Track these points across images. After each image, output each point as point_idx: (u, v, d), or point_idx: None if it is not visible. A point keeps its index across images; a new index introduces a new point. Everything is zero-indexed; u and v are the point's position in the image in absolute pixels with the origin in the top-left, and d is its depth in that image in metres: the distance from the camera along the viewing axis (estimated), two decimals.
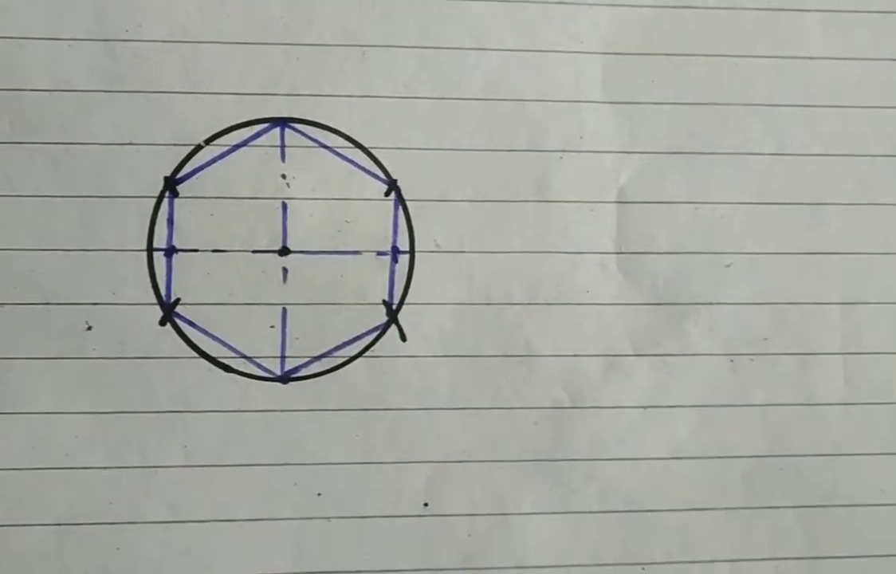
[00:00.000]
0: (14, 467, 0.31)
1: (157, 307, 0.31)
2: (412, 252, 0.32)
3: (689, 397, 0.33)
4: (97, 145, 0.31)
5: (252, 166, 0.32)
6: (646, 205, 0.33)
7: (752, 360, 0.33)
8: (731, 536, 0.32)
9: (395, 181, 0.32)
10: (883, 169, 0.34)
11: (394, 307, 0.32)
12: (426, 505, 0.32)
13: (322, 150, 0.32)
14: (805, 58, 0.33)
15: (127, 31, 0.32)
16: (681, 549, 0.32)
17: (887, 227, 0.33)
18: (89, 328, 0.31)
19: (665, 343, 0.33)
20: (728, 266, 0.33)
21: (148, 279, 0.31)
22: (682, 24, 0.33)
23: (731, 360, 0.33)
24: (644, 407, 0.32)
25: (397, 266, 0.32)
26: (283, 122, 0.32)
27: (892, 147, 0.34)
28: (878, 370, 0.33)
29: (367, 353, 0.32)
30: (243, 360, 0.32)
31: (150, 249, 0.31)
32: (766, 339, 0.33)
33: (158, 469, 0.31)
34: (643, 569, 0.32)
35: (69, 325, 0.31)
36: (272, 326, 0.32)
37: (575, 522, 0.32)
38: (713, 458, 0.33)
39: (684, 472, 0.32)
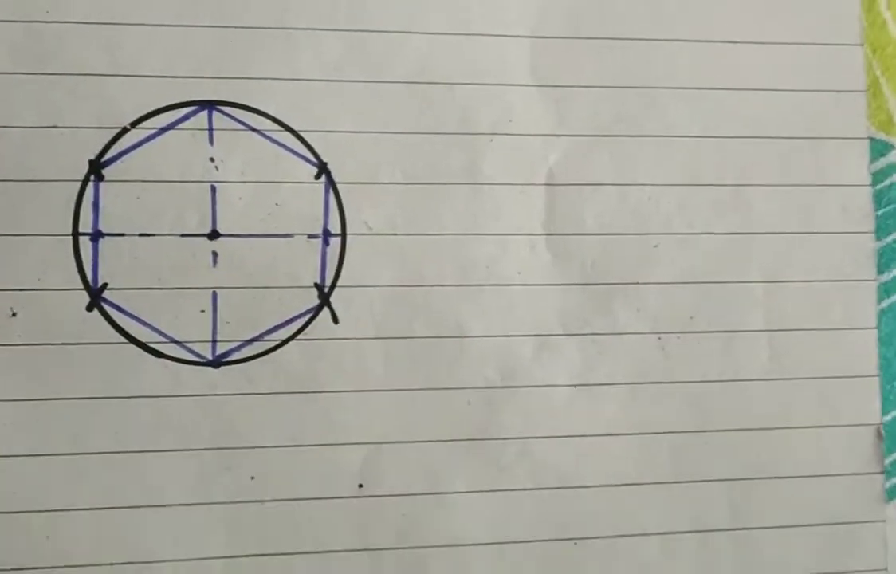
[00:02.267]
0: None
1: (84, 293, 0.31)
2: (343, 235, 0.32)
3: (618, 375, 0.33)
4: (19, 129, 0.31)
5: (180, 149, 0.31)
6: (574, 187, 0.33)
7: (679, 338, 0.33)
8: (659, 510, 0.33)
9: (326, 164, 0.32)
10: (805, 151, 0.34)
11: (325, 290, 0.32)
12: (361, 486, 0.32)
13: (251, 132, 0.32)
14: (729, 41, 0.34)
15: (48, 11, 0.31)
16: (611, 524, 0.33)
17: (808, 208, 0.34)
18: (14, 315, 0.31)
19: (594, 323, 0.33)
20: (655, 247, 0.33)
21: (74, 264, 0.31)
22: (609, 7, 0.34)
23: (659, 338, 0.33)
24: (574, 385, 0.33)
25: (328, 249, 0.32)
26: (211, 105, 0.32)
27: (814, 129, 0.35)
28: (801, 346, 0.34)
29: (299, 337, 0.32)
30: (173, 344, 0.31)
31: (76, 234, 0.31)
32: (692, 317, 0.34)
33: (89, 455, 0.31)
34: (575, 544, 0.33)
35: None
36: (202, 310, 0.31)
37: (508, 500, 0.33)
38: (642, 434, 0.33)
39: (614, 449, 0.33)
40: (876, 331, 0.34)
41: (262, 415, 0.32)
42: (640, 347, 0.33)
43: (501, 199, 0.33)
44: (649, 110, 0.34)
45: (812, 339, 0.34)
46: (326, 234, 0.32)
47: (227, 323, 0.31)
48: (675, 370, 0.33)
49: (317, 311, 0.32)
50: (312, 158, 0.32)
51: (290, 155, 0.32)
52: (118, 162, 0.31)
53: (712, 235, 0.34)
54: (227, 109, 0.32)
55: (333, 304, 0.32)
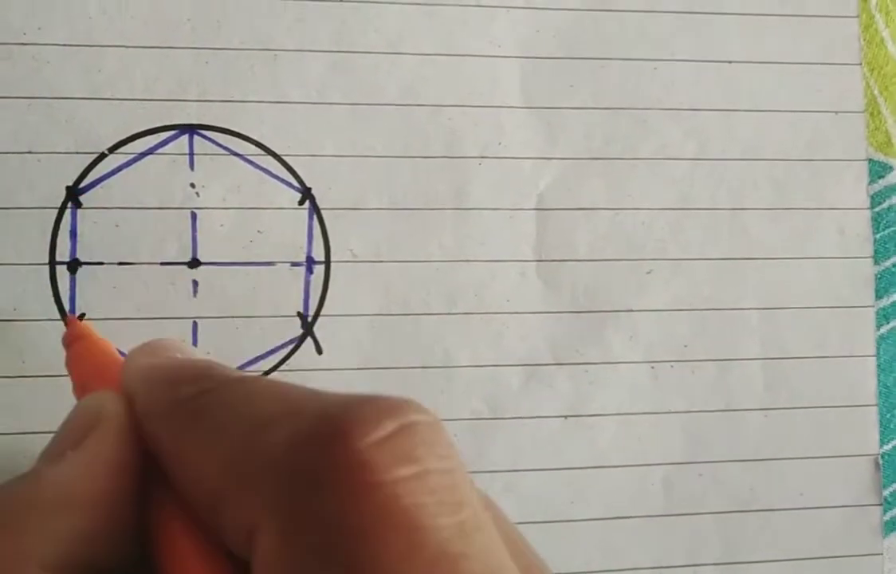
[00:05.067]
0: None
1: (61, 323, 0.30)
2: (327, 262, 0.31)
3: (609, 406, 0.32)
4: None
5: (159, 175, 0.31)
6: (565, 211, 0.32)
7: (672, 366, 0.33)
8: (652, 544, 0.32)
9: (310, 189, 0.31)
10: (801, 174, 0.34)
11: (309, 319, 0.31)
12: None
13: (233, 157, 0.31)
14: (724, 61, 0.33)
15: (25, 33, 0.30)
16: (601, 557, 0.32)
17: (805, 232, 0.34)
18: None
19: (585, 351, 0.32)
20: (648, 272, 0.33)
21: (51, 294, 0.30)
22: (601, 27, 0.33)
23: (652, 367, 0.33)
24: (565, 417, 0.32)
25: (312, 277, 0.31)
26: (191, 129, 0.31)
27: (810, 152, 0.34)
28: (797, 374, 0.33)
29: (282, 367, 0.31)
30: None
31: (53, 263, 0.30)
32: (686, 345, 0.33)
33: None
34: None
35: None
36: (182, 341, 0.31)
37: None
38: (634, 466, 0.32)
39: (605, 481, 0.32)
40: (874, 358, 0.34)
41: None
42: (633, 376, 0.33)
43: (490, 224, 0.32)
44: (642, 132, 0.33)
45: (808, 367, 0.33)
46: (310, 262, 0.31)
47: (208, 354, 0.31)
48: (669, 400, 0.33)
49: (300, 341, 0.31)
50: (296, 184, 0.31)
51: (273, 180, 0.31)
52: (96, 188, 0.30)
53: (707, 261, 0.33)
54: (208, 134, 0.31)
55: (317, 334, 0.31)
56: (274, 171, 0.31)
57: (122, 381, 0.20)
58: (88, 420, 0.19)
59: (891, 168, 0.35)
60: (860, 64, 0.34)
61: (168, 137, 0.31)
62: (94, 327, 0.25)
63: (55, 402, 0.30)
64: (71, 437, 0.18)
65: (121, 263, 0.30)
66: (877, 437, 0.33)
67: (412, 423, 0.15)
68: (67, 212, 0.30)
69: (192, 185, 0.31)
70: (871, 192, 0.34)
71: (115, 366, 0.22)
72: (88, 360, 0.23)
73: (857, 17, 0.34)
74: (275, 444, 0.15)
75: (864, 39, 0.35)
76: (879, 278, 0.34)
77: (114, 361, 0.23)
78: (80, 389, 0.22)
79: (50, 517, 0.17)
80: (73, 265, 0.30)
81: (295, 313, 0.31)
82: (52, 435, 0.30)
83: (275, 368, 0.31)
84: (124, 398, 0.19)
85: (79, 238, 0.30)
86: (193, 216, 0.31)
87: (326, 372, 0.31)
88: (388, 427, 0.15)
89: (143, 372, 0.19)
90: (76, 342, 0.24)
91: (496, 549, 0.15)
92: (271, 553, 0.14)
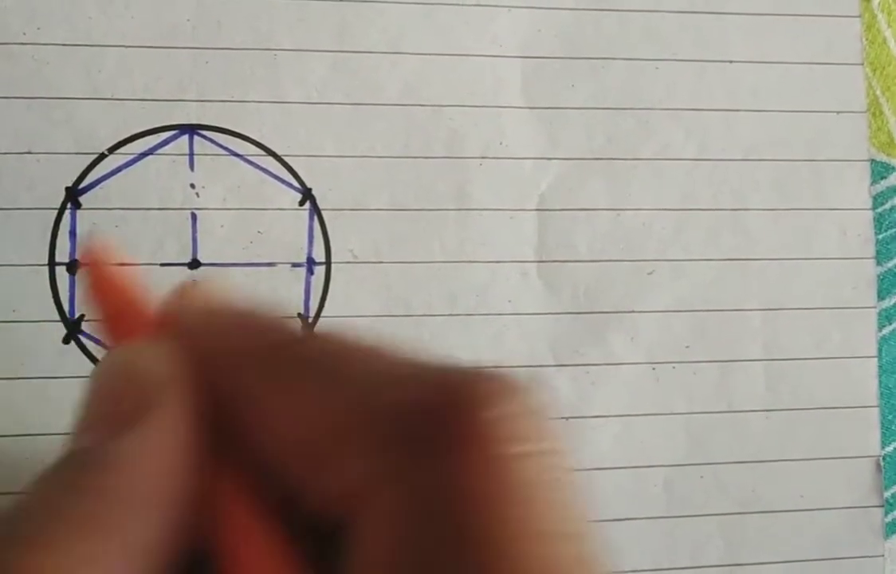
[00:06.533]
0: None
1: (61, 324, 0.30)
2: (328, 263, 0.31)
3: (611, 407, 0.32)
4: None
5: (159, 175, 0.30)
6: (566, 212, 0.32)
7: (674, 367, 0.33)
8: (653, 546, 0.32)
9: (310, 190, 0.31)
10: (803, 173, 0.34)
11: (309, 320, 0.31)
12: None
13: (233, 158, 0.31)
14: (725, 61, 0.33)
15: (25, 33, 0.30)
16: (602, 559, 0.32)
17: (807, 233, 0.33)
18: None
19: (587, 352, 0.32)
20: (650, 273, 0.33)
21: (50, 295, 0.30)
22: (602, 26, 0.33)
23: (654, 368, 0.33)
24: (566, 418, 0.32)
25: (313, 278, 0.31)
26: (191, 130, 0.31)
27: (812, 152, 0.34)
28: (799, 376, 0.33)
29: None
30: None
31: (52, 264, 0.30)
32: (687, 346, 0.33)
33: None
34: None
35: None
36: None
37: None
38: (635, 467, 0.32)
39: (606, 483, 0.32)
40: (876, 359, 0.34)
41: None
42: (634, 378, 0.32)
43: (491, 224, 0.32)
44: (644, 132, 0.33)
45: (810, 368, 0.33)
46: (311, 263, 0.31)
47: None
48: (670, 401, 0.32)
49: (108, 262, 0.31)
50: (296, 184, 0.31)
51: (274, 181, 0.31)
52: (96, 189, 0.30)
53: (708, 262, 0.33)
54: (208, 134, 0.31)
55: None
56: (274, 172, 0.31)
57: (174, 323, 0.17)
58: (150, 386, 0.15)
59: (893, 169, 0.34)
60: (862, 64, 0.34)
61: (168, 138, 0.31)
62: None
63: (55, 404, 0.30)
64: (128, 405, 0.15)
65: (120, 264, 0.30)
66: (878, 438, 0.33)
67: (534, 403, 0.15)
68: (67, 212, 0.30)
69: (192, 186, 0.31)
70: (874, 193, 0.34)
71: (145, 302, 0.18)
72: (119, 290, 0.18)
73: (860, 16, 0.34)
74: (392, 406, 0.14)
75: (867, 39, 0.34)
76: (881, 279, 0.34)
77: (144, 297, 0.18)
78: (115, 327, 0.18)
79: (132, 513, 0.14)
80: (73, 266, 0.30)
81: (295, 314, 0.31)
82: (53, 436, 0.30)
83: None
84: (184, 348, 0.16)
85: (78, 239, 0.30)
86: (193, 217, 0.31)
87: None
88: (514, 403, 0.14)
89: (217, 316, 0.17)
90: (100, 265, 0.19)
91: (591, 532, 0.15)
92: (383, 520, 0.14)
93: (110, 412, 0.15)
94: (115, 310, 0.18)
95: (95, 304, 0.18)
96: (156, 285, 0.30)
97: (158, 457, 0.15)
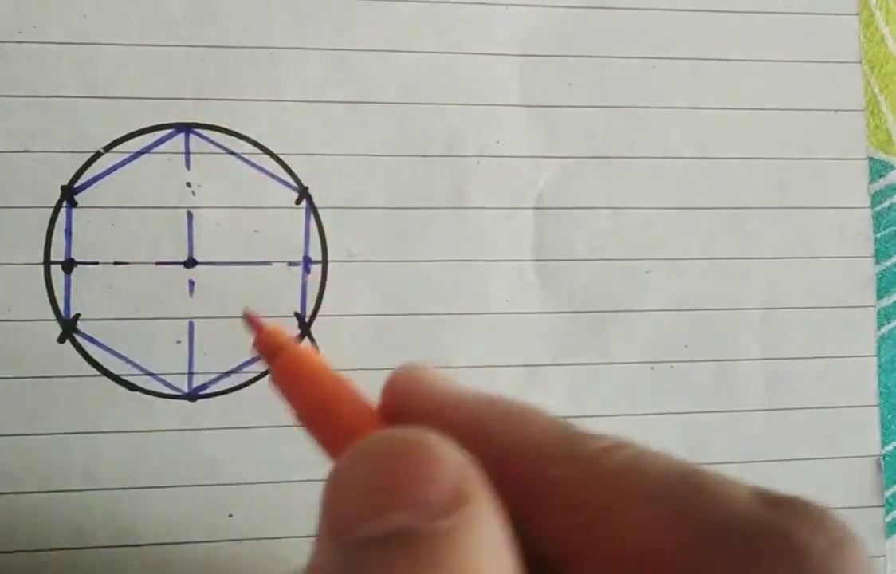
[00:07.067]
0: None
1: (56, 323, 0.30)
2: (325, 262, 0.31)
3: (609, 406, 0.32)
4: None
5: (155, 174, 0.30)
6: (564, 211, 0.32)
7: (672, 367, 0.32)
8: None
9: (307, 188, 0.31)
10: (802, 172, 0.33)
11: (306, 319, 0.31)
12: None
13: (229, 156, 0.31)
14: (723, 60, 0.33)
15: (20, 32, 0.30)
16: None
17: (806, 231, 0.33)
18: None
19: (585, 351, 0.32)
20: (648, 272, 0.32)
21: (45, 294, 0.30)
22: (600, 25, 0.33)
23: (652, 368, 0.32)
24: (564, 417, 0.32)
25: (309, 277, 0.31)
26: (187, 128, 0.31)
27: (810, 151, 0.34)
28: (798, 375, 0.33)
29: None
30: (148, 377, 0.30)
31: (47, 262, 0.30)
32: (686, 346, 0.32)
33: (60, 493, 0.30)
34: None
35: None
36: (178, 342, 0.30)
37: None
38: None
39: None
40: (875, 358, 0.33)
41: (240, 450, 0.31)
42: (632, 377, 0.32)
43: (489, 223, 0.32)
44: (641, 131, 0.33)
45: (809, 367, 0.33)
46: (307, 262, 0.31)
47: (205, 354, 0.30)
48: (669, 400, 0.32)
49: (297, 341, 0.31)
50: (293, 183, 0.31)
51: (270, 179, 0.31)
52: (91, 187, 0.30)
53: (706, 261, 0.33)
54: (204, 132, 0.31)
55: (314, 335, 0.31)
56: (271, 170, 0.31)
57: (401, 412, 0.16)
58: (459, 469, 0.14)
59: (891, 167, 0.34)
60: (860, 62, 0.34)
61: (164, 136, 0.30)
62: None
63: (49, 404, 0.30)
64: (445, 487, 0.14)
65: (116, 263, 0.30)
66: (878, 437, 0.33)
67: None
68: (62, 211, 0.30)
69: (189, 184, 0.30)
70: (872, 191, 0.34)
71: (350, 388, 0.17)
72: (316, 379, 0.18)
73: (857, 14, 0.34)
74: (731, 523, 0.14)
75: (865, 37, 0.34)
76: (880, 278, 0.34)
77: (346, 384, 0.18)
78: (317, 421, 0.18)
79: None
80: (68, 265, 0.30)
81: (292, 313, 0.31)
82: (48, 436, 0.29)
83: None
84: (460, 445, 0.15)
85: (74, 237, 0.30)
86: (189, 215, 0.30)
87: None
88: (852, 553, 0.14)
89: (493, 410, 0.16)
90: (282, 351, 0.19)
91: None
92: None
93: (420, 498, 0.14)
94: (325, 401, 0.18)
95: (305, 397, 0.18)
96: (152, 284, 0.30)
97: (495, 535, 0.14)
